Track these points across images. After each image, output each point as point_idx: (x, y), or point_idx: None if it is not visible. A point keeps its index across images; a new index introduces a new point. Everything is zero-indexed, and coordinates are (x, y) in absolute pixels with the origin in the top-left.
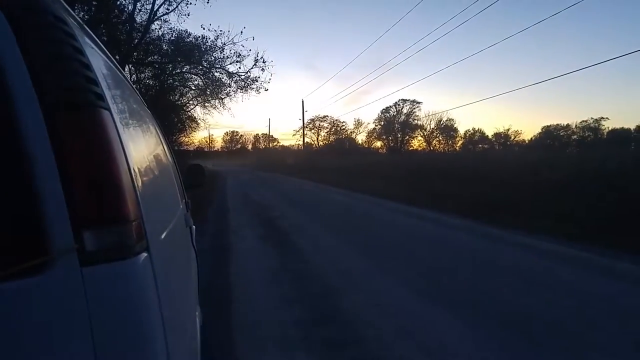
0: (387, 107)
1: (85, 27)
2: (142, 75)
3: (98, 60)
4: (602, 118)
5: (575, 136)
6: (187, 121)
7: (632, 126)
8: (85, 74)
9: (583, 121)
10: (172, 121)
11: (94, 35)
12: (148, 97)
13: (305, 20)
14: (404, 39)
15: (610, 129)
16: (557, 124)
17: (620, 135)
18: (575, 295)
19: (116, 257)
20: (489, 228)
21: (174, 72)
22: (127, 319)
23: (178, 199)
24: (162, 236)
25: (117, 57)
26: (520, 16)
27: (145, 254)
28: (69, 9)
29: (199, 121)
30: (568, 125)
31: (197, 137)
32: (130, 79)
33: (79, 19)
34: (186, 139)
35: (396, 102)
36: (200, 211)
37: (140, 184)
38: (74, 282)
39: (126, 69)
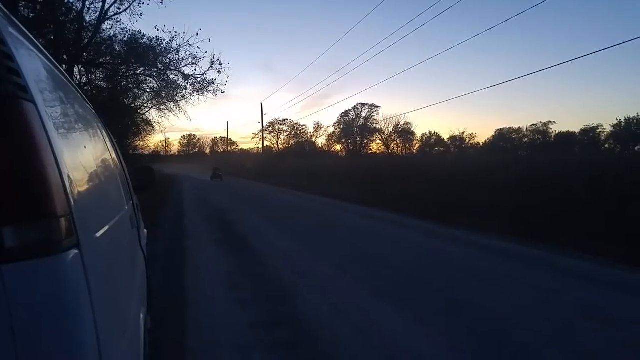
0: (346, 111)
1: (15, 20)
2: (93, 76)
3: (27, 54)
4: (550, 122)
5: (526, 139)
6: (142, 124)
7: (577, 130)
8: (6, 64)
9: (533, 125)
10: (126, 124)
11: (26, 31)
12: (100, 100)
13: (263, 23)
14: (361, 43)
15: (557, 132)
16: (510, 127)
17: (567, 138)
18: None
19: (41, 254)
20: (444, 229)
21: (127, 74)
22: (54, 319)
23: (123, 200)
24: (99, 234)
25: (64, 57)
26: (473, 22)
27: (75, 251)
28: None
29: (155, 124)
30: (520, 128)
31: (153, 141)
32: (80, 80)
33: (5, 11)
34: (141, 142)
35: (355, 106)
36: (156, 216)
37: (72, 180)
38: None
39: (75, 70)
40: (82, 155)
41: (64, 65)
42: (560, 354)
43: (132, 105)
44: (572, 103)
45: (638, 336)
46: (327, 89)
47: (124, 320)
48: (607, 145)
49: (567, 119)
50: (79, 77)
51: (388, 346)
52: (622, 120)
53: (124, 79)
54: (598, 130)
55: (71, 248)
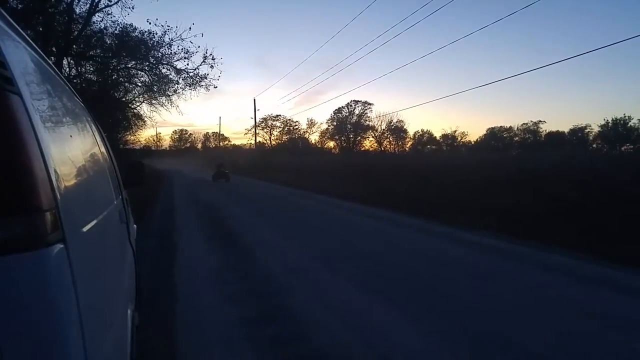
0: (339, 108)
1: (2, 11)
2: (83, 69)
3: (13, 46)
4: (540, 121)
5: (517, 138)
6: (133, 119)
7: (566, 129)
8: None
9: (524, 124)
10: (116, 118)
11: (12, 22)
12: (90, 93)
13: (257, 19)
14: (355, 39)
15: (547, 131)
16: (501, 126)
17: (556, 137)
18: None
19: (25, 248)
20: (437, 226)
21: (118, 68)
22: (38, 313)
23: (112, 195)
24: (86, 229)
25: (53, 49)
26: (466, 20)
27: (60, 245)
28: None
29: (146, 119)
30: (511, 127)
31: (144, 136)
32: (70, 73)
33: None
34: (132, 137)
35: (348, 103)
36: (146, 211)
37: (59, 174)
38: None
39: (64, 62)
40: (69, 149)
41: (52, 58)
42: (542, 344)
43: (123, 99)
44: (562, 103)
45: (620, 329)
46: (321, 85)
47: (110, 316)
48: (595, 145)
49: (557, 119)
50: (68, 69)
51: (377, 339)
52: (610, 120)
53: (115, 72)
54: (586, 130)
55: (56, 242)
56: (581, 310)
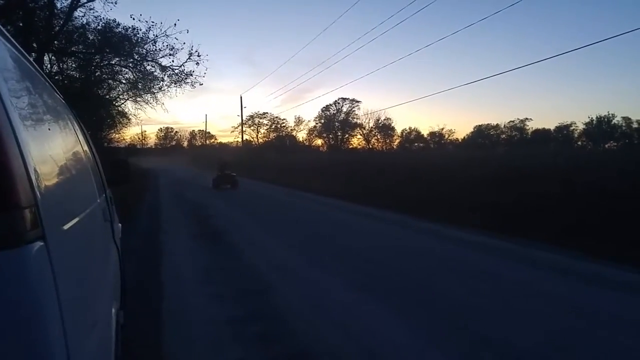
0: (327, 105)
1: None
2: (65, 65)
3: None
4: (527, 119)
5: (504, 135)
6: (118, 116)
7: (552, 127)
8: None
9: (511, 121)
10: (100, 116)
11: None
12: (72, 90)
13: (244, 16)
14: (343, 37)
15: (534, 129)
16: (488, 124)
17: (542, 135)
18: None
19: (4, 246)
20: (423, 222)
21: (101, 64)
22: (18, 312)
23: (95, 193)
24: (67, 226)
25: (34, 44)
26: (454, 18)
27: (40, 243)
28: None
29: (131, 117)
30: (497, 125)
31: (129, 134)
32: (51, 69)
33: None
34: (117, 135)
35: (336, 101)
36: (131, 210)
37: (39, 171)
38: None
39: (45, 59)
40: (50, 147)
41: (33, 54)
42: (524, 335)
43: (107, 96)
44: (548, 101)
45: (602, 321)
46: (308, 82)
47: (93, 315)
48: (579, 143)
49: (544, 117)
50: (49, 66)
51: (360, 330)
52: (594, 118)
53: (98, 69)
54: (571, 128)
55: (36, 240)
56: (565, 304)
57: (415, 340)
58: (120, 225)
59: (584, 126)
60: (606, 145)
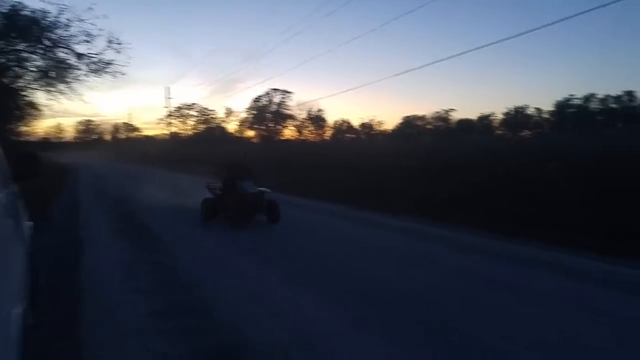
0: (258, 96)
1: None
2: None
3: None
4: (451, 109)
5: (429, 126)
6: (27, 108)
7: (474, 117)
8: None
9: (436, 112)
10: (7, 107)
11: None
12: None
13: (169, 4)
14: (274, 27)
15: (458, 119)
16: (415, 115)
17: (466, 124)
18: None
19: None
20: (352, 211)
21: (6, 50)
22: None
23: None
24: None
25: None
26: (381, 11)
27: None
28: None
29: (42, 108)
30: (424, 115)
31: (43, 127)
32: None
33: None
34: (27, 128)
35: (267, 92)
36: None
37: None
38: None
39: None
40: None
41: None
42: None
43: (12, 85)
44: (471, 92)
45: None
46: (238, 73)
47: None
48: (499, 132)
49: (467, 107)
50: None
51: (293, 316)
52: (512, 109)
53: (3, 55)
54: (491, 118)
55: None
56: (481, 278)
57: (340, 321)
58: (31, 222)
59: (503, 116)
60: (521, 134)
